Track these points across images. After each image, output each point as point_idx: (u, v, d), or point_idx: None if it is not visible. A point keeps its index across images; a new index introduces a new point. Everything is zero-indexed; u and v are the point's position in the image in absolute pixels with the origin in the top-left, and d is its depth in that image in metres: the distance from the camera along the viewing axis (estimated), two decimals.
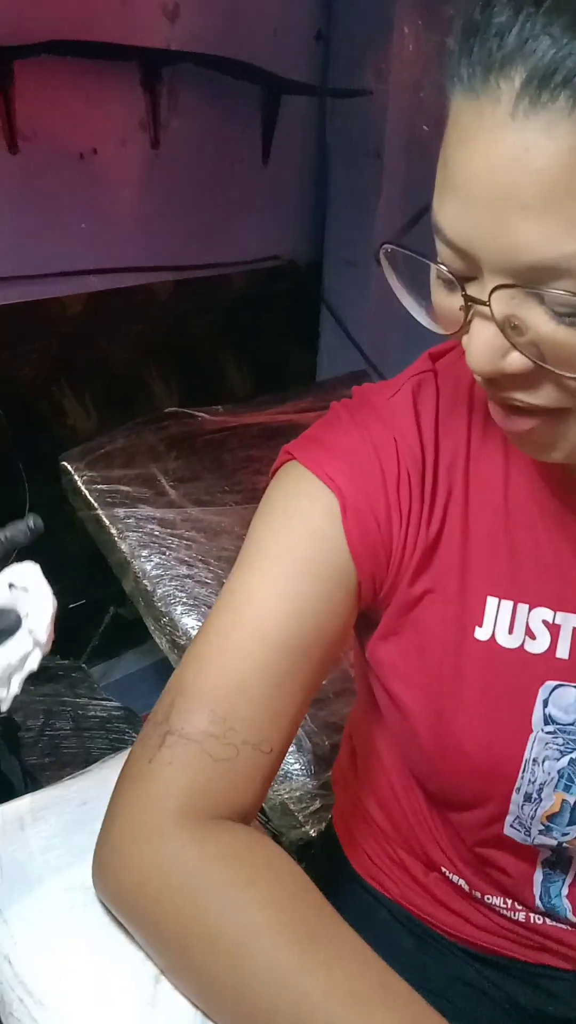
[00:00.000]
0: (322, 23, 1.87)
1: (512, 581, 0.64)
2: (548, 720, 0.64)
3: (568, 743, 0.64)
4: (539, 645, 0.64)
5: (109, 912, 0.61)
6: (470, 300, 0.49)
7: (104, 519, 1.29)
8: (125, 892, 0.59)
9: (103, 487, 1.30)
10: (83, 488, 1.31)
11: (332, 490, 0.63)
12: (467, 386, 0.66)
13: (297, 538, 0.64)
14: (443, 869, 0.75)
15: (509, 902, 0.73)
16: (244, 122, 1.80)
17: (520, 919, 0.73)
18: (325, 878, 0.61)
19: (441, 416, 0.65)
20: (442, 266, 0.50)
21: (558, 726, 0.64)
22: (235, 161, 1.81)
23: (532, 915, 0.73)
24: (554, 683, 0.64)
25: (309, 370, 2.15)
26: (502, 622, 0.64)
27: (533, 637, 0.64)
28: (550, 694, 0.64)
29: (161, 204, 1.70)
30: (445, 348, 0.70)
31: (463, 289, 0.49)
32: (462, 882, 0.74)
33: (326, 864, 0.86)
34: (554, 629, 0.64)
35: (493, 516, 0.64)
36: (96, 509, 1.30)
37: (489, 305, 0.48)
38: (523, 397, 0.51)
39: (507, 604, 0.64)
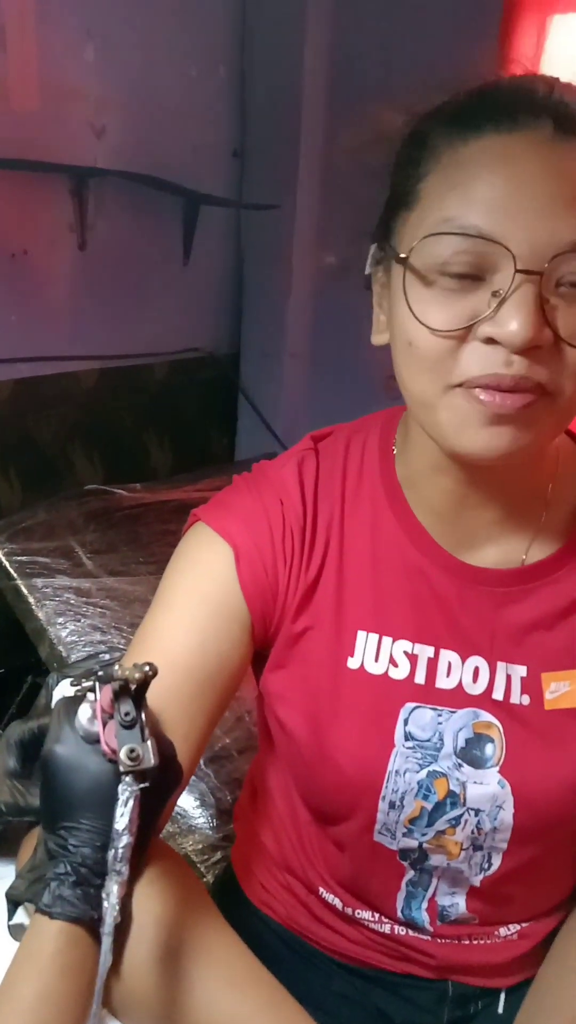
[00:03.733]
0: (238, 143, 2.06)
1: (379, 618, 0.76)
2: (408, 737, 0.74)
3: (425, 757, 0.74)
4: (400, 672, 0.75)
5: None
6: (525, 272, 0.60)
7: (22, 588, 1.37)
8: None
9: (23, 558, 1.38)
10: (3, 560, 1.38)
11: (228, 543, 0.75)
12: (342, 461, 0.79)
13: (199, 583, 0.75)
14: (320, 889, 0.84)
15: (377, 915, 0.82)
16: (166, 227, 1.94)
17: (386, 931, 0.82)
18: (221, 909, 0.69)
19: (320, 484, 0.78)
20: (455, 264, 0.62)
21: (416, 742, 0.74)
22: (158, 261, 1.94)
23: (396, 927, 0.82)
24: (413, 704, 0.75)
25: (228, 451, 2.26)
26: (370, 652, 0.75)
27: (396, 665, 0.75)
28: (409, 714, 0.75)
29: (87, 299, 1.81)
30: (325, 432, 0.84)
31: (515, 266, 0.60)
32: (336, 900, 0.83)
33: (222, 896, 0.94)
34: (413, 658, 0.75)
35: (363, 564, 0.76)
36: (15, 579, 1.37)
37: (541, 274, 0.60)
38: (532, 372, 0.62)
39: (374, 637, 0.75)
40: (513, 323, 0.61)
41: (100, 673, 0.56)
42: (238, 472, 1.71)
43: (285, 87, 1.97)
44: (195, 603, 0.74)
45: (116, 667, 0.55)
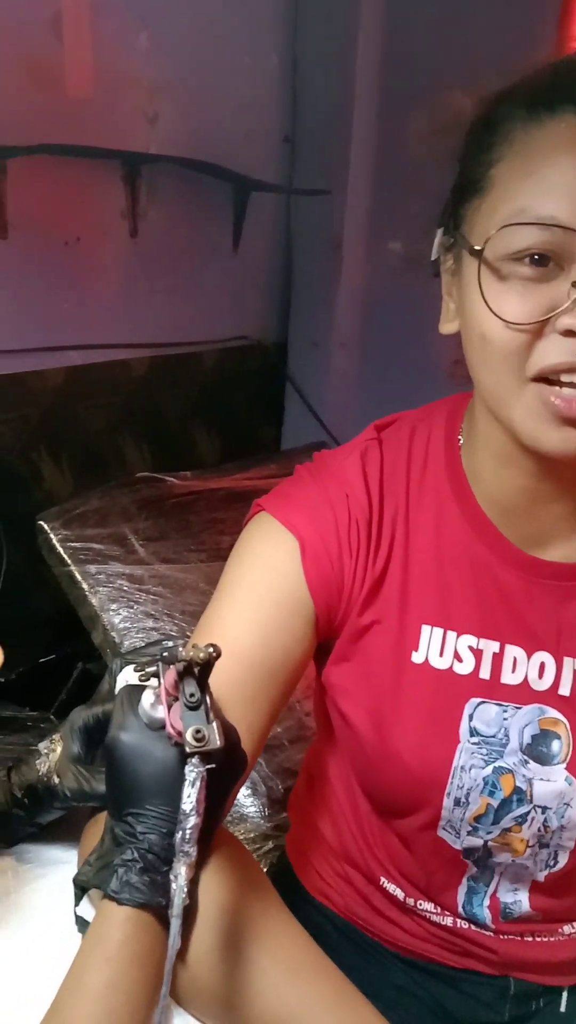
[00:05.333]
0: (289, 128, 2.04)
1: (443, 612, 0.74)
2: (473, 732, 0.73)
3: (491, 753, 0.73)
4: (465, 667, 0.74)
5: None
6: None
7: (76, 575, 1.37)
8: None
9: (76, 545, 1.39)
10: (58, 546, 1.39)
11: (294, 535, 0.74)
12: (406, 451, 0.78)
13: (263, 575, 0.74)
14: (381, 879, 0.83)
15: (438, 908, 0.81)
16: (216, 214, 1.93)
17: (448, 924, 0.81)
18: None
19: (385, 475, 0.76)
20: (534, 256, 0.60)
21: (482, 738, 0.73)
22: (207, 249, 1.94)
23: (458, 921, 0.81)
24: (478, 700, 0.74)
25: (274, 440, 2.25)
26: (434, 647, 0.74)
27: (460, 660, 0.74)
28: (475, 709, 0.73)
29: (138, 287, 1.81)
30: (388, 421, 0.83)
31: None
32: (398, 891, 0.82)
33: (277, 887, 0.94)
34: (477, 653, 0.74)
35: (428, 558, 0.75)
36: (69, 565, 1.38)
37: None
38: None
39: (439, 631, 0.74)
40: None
41: (164, 654, 0.56)
42: (285, 461, 1.69)
43: (337, 72, 1.94)
44: (259, 596, 0.74)
45: (180, 648, 0.55)
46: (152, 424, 1.96)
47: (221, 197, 1.92)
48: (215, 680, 0.68)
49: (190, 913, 0.62)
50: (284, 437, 2.25)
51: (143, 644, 1.12)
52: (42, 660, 1.68)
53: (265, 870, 1.15)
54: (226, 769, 0.57)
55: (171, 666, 0.56)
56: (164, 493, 1.56)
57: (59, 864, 0.78)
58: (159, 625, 1.36)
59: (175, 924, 0.52)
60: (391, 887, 0.83)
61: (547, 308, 0.61)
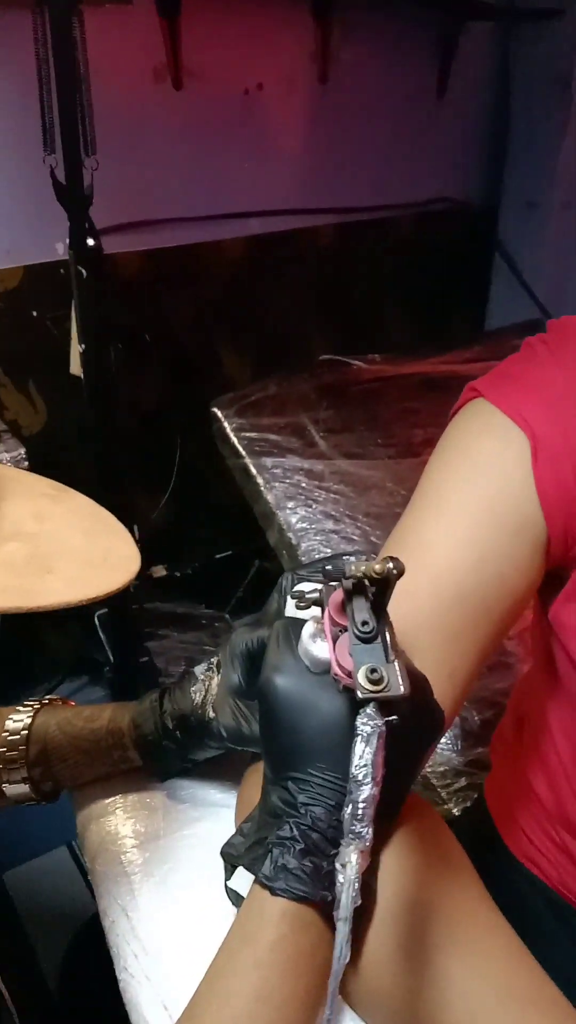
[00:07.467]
0: None
1: None
2: None
3: None
4: None
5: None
6: None
7: (251, 468, 1.26)
8: None
9: (252, 435, 1.27)
10: (231, 436, 1.28)
11: (523, 430, 0.57)
12: None
13: (480, 481, 0.58)
14: None
15: None
16: (419, 52, 1.69)
17: None
18: (473, 856, 0.54)
19: None
20: None
21: None
22: (408, 95, 1.71)
23: None
24: None
25: (477, 320, 2.03)
26: None
27: None
28: None
29: (327, 142, 1.63)
30: None
31: None
32: None
33: (474, 840, 0.80)
34: None
35: None
36: (243, 457, 1.27)
37: None
38: None
39: None
40: None
41: (327, 568, 0.42)
42: (491, 343, 1.43)
43: None
44: (473, 507, 0.57)
45: (350, 561, 0.41)
46: (339, 302, 1.80)
47: (426, 30, 1.66)
48: (409, 609, 0.52)
49: (366, 908, 0.49)
50: (489, 316, 2.01)
51: (321, 558, 0.98)
52: (218, 556, 1.61)
53: (458, 813, 1.02)
54: (414, 729, 0.44)
55: (337, 584, 0.42)
56: (349, 379, 1.41)
57: (218, 808, 0.68)
58: (340, 528, 1.23)
59: (342, 930, 0.39)
60: None
61: None
